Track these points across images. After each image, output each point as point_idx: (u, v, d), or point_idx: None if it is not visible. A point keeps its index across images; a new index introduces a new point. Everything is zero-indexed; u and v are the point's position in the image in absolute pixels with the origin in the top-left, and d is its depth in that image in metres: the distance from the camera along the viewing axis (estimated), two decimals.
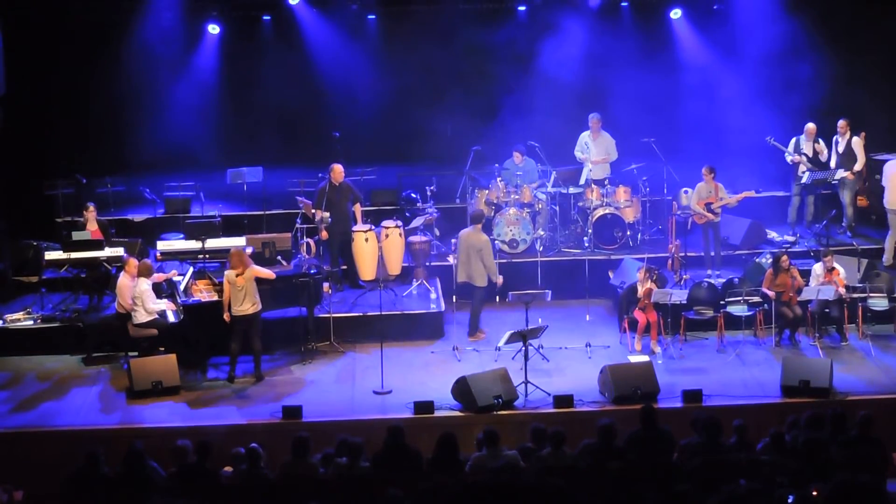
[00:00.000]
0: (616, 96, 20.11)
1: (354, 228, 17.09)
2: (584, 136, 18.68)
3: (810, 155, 18.15)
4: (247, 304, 14.63)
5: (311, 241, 17.06)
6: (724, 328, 15.72)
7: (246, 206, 19.15)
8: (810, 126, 18.19)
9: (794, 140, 18.28)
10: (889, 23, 19.85)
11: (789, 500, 9.42)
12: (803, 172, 18.09)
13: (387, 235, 17.10)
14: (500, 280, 15.95)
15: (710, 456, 10.60)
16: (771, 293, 15.41)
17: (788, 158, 18.32)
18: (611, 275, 17.25)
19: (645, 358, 14.88)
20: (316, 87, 21.18)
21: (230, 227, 17.81)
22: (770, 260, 16.14)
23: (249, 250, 16.24)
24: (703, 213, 17.11)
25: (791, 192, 18.65)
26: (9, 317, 16.13)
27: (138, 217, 18.99)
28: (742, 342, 15.57)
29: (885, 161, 17.66)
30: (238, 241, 16.48)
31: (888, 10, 19.72)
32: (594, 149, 18.53)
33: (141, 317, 14.77)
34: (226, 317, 14.73)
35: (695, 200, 17.21)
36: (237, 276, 14.56)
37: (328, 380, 14.97)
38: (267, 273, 14.86)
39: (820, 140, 18.19)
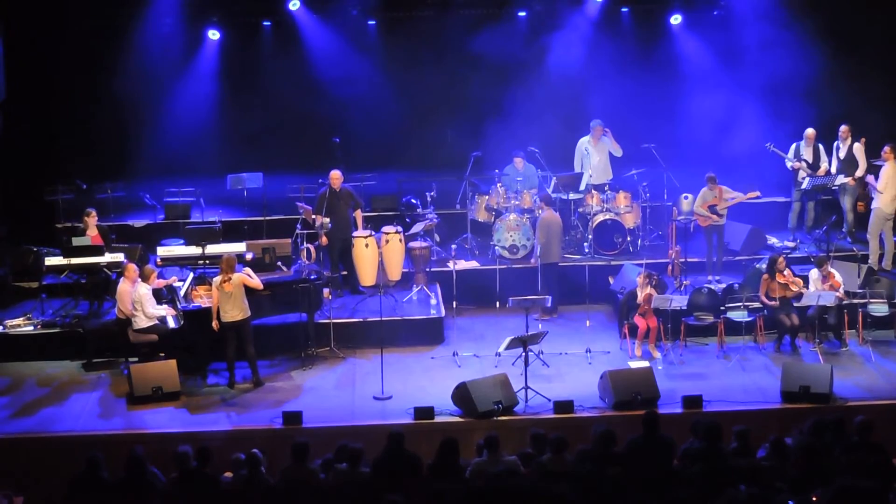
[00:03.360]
0: (616, 101, 20.10)
1: (355, 234, 17.09)
2: (584, 142, 18.67)
3: (810, 161, 18.17)
4: (236, 311, 14.63)
5: (312, 247, 17.06)
6: (725, 334, 15.72)
7: (246, 211, 19.15)
8: (810, 131, 18.20)
9: (794, 146, 18.29)
10: (890, 29, 19.88)
11: None
12: (803, 178, 18.10)
13: (387, 241, 17.10)
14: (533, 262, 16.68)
15: (710, 462, 10.60)
16: (770, 302, 15.41)
17: (789, 164, 18.33)
18: (611, 280, 17.26)
19: (645, 363, 14.88)
20: (316, 93, 21.14)
21: (230, 232, 17.81)
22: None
23: (250, 256, 16.27)
24: (708, 214, 17.07)
25: (791, 198, 18.66)
26: (9, 322, 16.13)
27: (138, 223, 18.99)
28: (742, 348, 15.57)
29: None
30: (238, 247, 16.50)
31: (889, 16, 19.75)
32: (595, 154, 18.52)
33: (141, 322, 14.77)
34: (214, 325, 14.72)
35: (698, 203, 17.19)
36: (223, 282, 14.57)
37: (328, 385, 14.97)
38: (255, 283, 14.82)
39: (820, 146, 18.21)
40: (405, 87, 21.23)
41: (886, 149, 17.27)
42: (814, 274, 15.66)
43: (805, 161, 18.15)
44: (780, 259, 15.59)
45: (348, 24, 21.15)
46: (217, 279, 14.66)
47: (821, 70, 19.37)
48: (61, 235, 17.67)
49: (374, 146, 21.03)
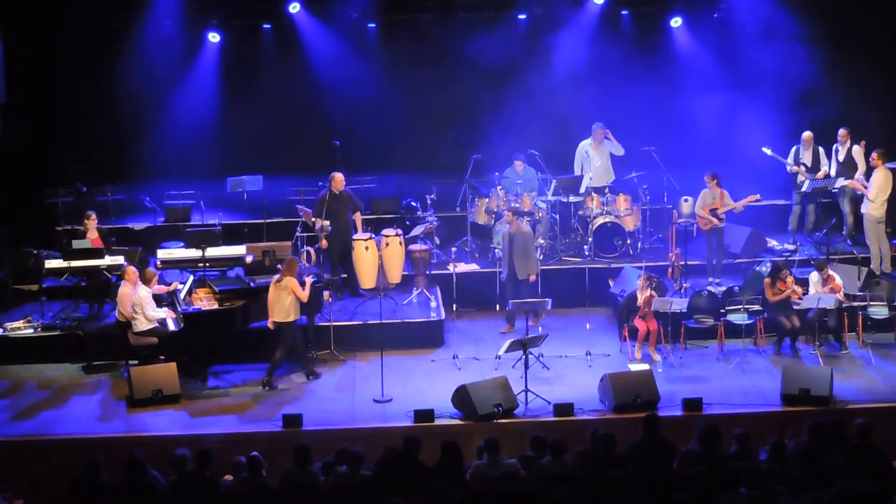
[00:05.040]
0: (616, 104, 20.10)
1: (355, 237, 17.08)
2: (585, 145, 18.67)
3: (809, 164, 18.18)
4: (276, 313, 14.76)
5: (312, 250, 17.07)
6: (725, 337, 15.72)
7: (246, 214, 19.16)
8: (807, 134, 18.21)
9: (793, 149, 18.30)
10: (890, 30, 19.89)
11: None
12: (803, 181, 18.12)
13: (387, 244, 17.10)
14: (532, 277, 16.31)
15: (710, 464, 10.59)
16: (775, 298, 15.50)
17: (788, 168, 18.34)
18: (611, 283, 17.26)
19: (645, 366, 14.88)
20: (316, 96, 21.16)
21: (230, 235, 17.80)
22: (769, 269, 16.12)
23: (250, 259, 16.29)
24: (709, 218, 17.06)
25: (792, 201, 18.66)
26: (9, 325, 16.13)
27: (138, 225, 18.99)
28: (742, 351, 15.57)
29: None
30: (238, 250, 16.51)
31: (889, 17, 19.75)
32: (596, 157, 18.52)
33: (141, 325, 14.77)
34: (269, 323, 14.88)
35: (699, 206, 17.18)
36: (276, 281, 14.72)
37: (328, 388, 14.97)
38: (299, 293, 14.75)
39: (820, 148, 18.21)
40: (405, 89, 21.24)
41: (874, 154, 17.28)
42: (814, 277, 15.68)
43: (804, 164, 18.16)
44: (785, 269, 15.60)
45: (348, 26, 21.13)
46: (275, 277, 14.86)
47: (820, 72, 19.35)
48: (61, 238, 17.70)
49: (374, 149, 21.02)
